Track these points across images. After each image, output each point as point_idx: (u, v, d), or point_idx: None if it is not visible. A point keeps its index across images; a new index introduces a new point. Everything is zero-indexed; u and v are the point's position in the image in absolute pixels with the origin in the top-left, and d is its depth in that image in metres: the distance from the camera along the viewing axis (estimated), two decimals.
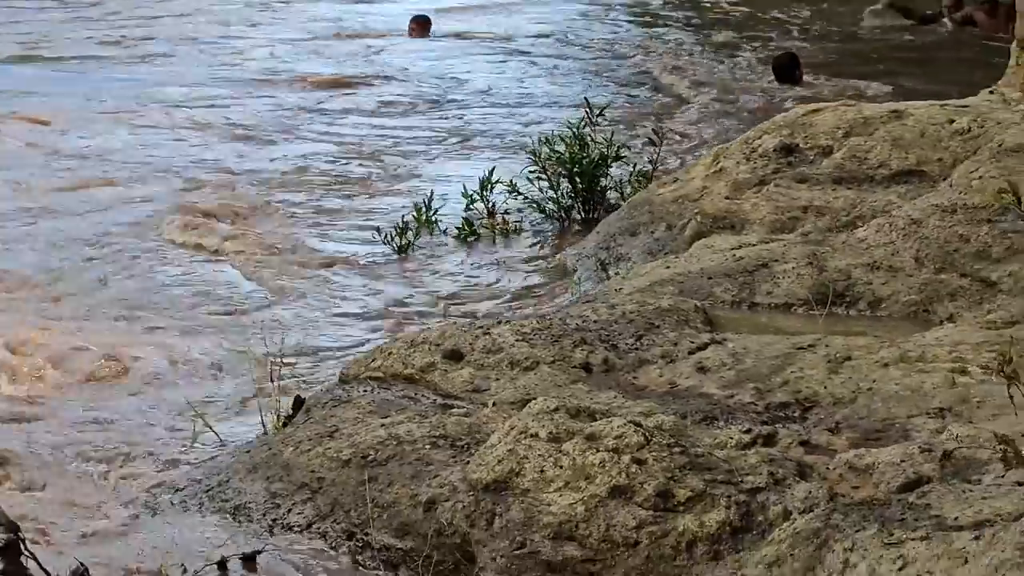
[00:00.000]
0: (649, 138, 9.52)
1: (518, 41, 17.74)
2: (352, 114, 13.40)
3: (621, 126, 12.15)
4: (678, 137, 11.35)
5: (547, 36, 18.13)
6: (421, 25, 18.52)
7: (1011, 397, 3.34)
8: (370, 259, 8.65)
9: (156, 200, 9.88)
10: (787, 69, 14.01)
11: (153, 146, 11.71)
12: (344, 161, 11.42)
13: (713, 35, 17.98)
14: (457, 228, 8.95)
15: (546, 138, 9.31)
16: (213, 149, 11.75)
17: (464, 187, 9.25)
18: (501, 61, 16.52)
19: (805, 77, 14.07)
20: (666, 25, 19.12)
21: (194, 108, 13.12)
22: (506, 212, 9.16)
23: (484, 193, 9.17)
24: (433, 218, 8.96)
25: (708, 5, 19.87)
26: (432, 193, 9.16)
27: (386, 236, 8.73)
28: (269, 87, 14.51)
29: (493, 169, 9.36)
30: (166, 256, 8.67)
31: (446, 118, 13.14)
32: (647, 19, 19.68)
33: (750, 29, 18.27)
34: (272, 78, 15.03)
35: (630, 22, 19.52)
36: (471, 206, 9.20)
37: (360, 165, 11.28)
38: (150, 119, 12.64)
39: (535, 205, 9.19)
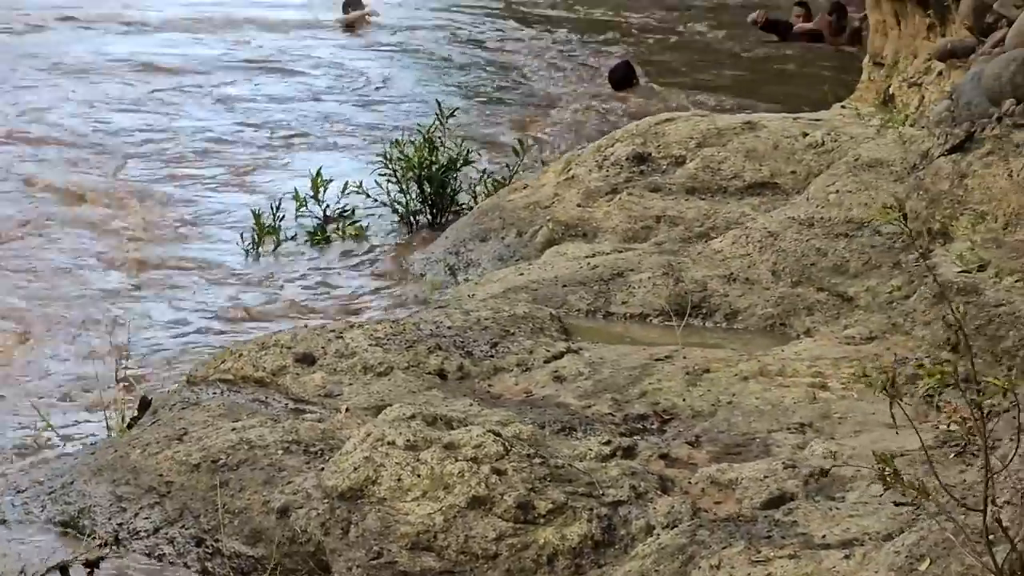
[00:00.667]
0: (513, 148, 9.39)
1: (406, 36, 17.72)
2: (229, 101, 13.18)
3: (483, 128, 12.11)
4: (531, 141, 11.22)
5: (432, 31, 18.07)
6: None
7: (893, 416, 3.26)
8: (222, 260, 8.41)
9: None
10: (624, 78, 14.03)
11: None
12: (200, 153, 11.17)
13: (591, 42, 18.02)
14: (308, 232, 8.72)
15: (397, 141, 9.12)
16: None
17: (307, 186, 9.01)
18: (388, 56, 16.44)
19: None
20: (548, 30, 19.16)
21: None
22: (352, 213, 8.95)
23: (318, 195, 8.93)
24: (278, 223, 8.72)
25: (599, 15, 19.91)
26: (279, 201, 8.89)
27: (242, 236, 8.52)
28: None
29: (320, 170, 9.10)
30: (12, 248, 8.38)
31: (311, 112, 12.94)
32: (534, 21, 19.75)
33: (628, 39, 18.38)
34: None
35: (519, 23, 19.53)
36: (333, 205, 8.98)
37: (218, 158, 11.05)
38: None
39: (386, 207, 9.01)
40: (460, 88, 14.49)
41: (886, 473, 3.20)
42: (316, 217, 8.91)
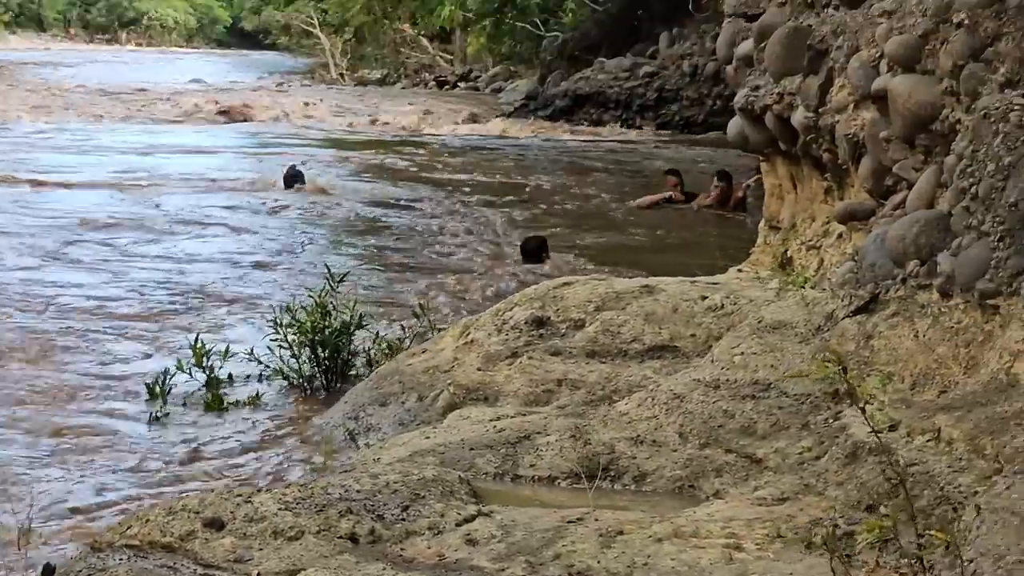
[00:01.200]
0: (414, 311, 9.36)
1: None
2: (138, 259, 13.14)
3: (384, 292, 12.16)
4: (431, 305, 11.24)
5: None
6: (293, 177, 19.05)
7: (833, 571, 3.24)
8: (119, 425, 8.26)
9: None
10: (535, 252, 14.17)
11: None
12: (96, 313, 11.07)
13: (501, 204, 18.36)
14: (204, 401, 8.59)
15: (288, 306, 9.07)
16: None
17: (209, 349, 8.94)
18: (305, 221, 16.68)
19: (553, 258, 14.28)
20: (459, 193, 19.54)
21: None
22: (247, 379, 8.87)
23: (201, 363, 8.82)
24: (168, 389, 8.60)
25: (520, 183, 20.24)
26: (176, 366, 8.78)
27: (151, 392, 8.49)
28: None
29: (198, 336, 9.05)
30: None
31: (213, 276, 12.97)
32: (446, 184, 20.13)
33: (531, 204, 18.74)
34: None
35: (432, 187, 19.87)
36: (228, 370, 8.88)
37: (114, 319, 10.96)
38: None
39: (279, 373, 8.94)
40: (367, 252, 14.61)
41: None
42: (209, 383, 8.77)
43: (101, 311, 11.33)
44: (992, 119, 5.78)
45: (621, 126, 33.08)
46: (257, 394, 8.75)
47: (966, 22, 6.28)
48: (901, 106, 6.69)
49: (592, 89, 34.35)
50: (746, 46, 8.61)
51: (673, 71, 33.00)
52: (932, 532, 3.32)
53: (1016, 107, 5.70)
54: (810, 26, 7.86)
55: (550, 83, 38.22)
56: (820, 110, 7.65)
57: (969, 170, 5.77)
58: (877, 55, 7.05)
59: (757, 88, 8.36)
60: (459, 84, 55.30)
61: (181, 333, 10.38)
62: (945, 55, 6.40)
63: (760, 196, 12.14)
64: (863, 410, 3.99)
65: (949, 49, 6.37)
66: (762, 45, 8.25)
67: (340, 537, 5.12)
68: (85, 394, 8.89)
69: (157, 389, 8.60)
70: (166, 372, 8.65)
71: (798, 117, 7.85)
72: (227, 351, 8.88)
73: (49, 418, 8.30)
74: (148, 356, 9.92)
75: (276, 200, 18.55)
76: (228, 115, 35.22)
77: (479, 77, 55.82)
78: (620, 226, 17.33)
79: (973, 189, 5.70)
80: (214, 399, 8.58)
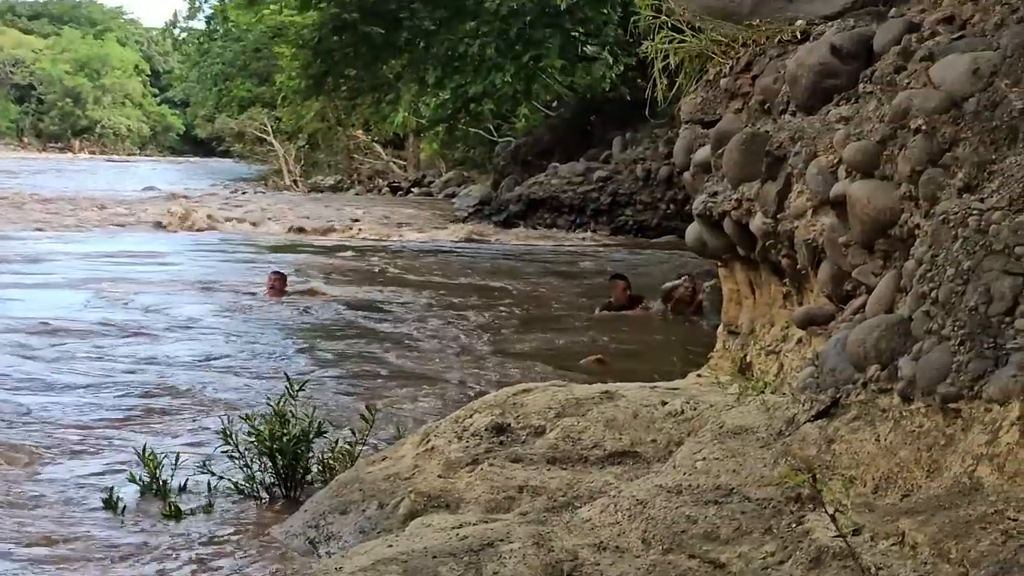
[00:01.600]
0: (362, 415, 9.29)
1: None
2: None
3: (337, 396, 12.14)
4: (389, 411, 11.20)
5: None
6: (281, 280, 19.22)
7: None
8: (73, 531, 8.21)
9: None
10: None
11: None
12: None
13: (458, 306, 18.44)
14: (163, 513, 8.51)
15: (246, 416, 9.02)
16: None
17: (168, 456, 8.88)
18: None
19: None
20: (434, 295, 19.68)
21: None
22: (208, 488, 8.80)
23: (154, 472, 8.76)
24: (117, 499, 8.57)
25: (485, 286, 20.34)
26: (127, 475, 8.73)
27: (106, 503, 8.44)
28: None
29: (145, 446, 8.99)
30: None
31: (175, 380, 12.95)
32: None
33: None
34: None
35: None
36: (182, 480, 8.82)
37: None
38: None
39: (233, 485, 8.87)
40: (327, 357, 14.65)
41: None
42: (158, 492, 8.72)
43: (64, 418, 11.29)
44: (951, 224, 5.84)
45: (574, 230, 33.25)
46: (210, 503, 8.66)
47: (923, 128, 6.35)
48: (860, 211, 6.75)
49: (546, 194, 34.60)
50: (703, 152, 8.68)
51: (627, 175, 33.28)
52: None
53: (975, 212, 5.76)
54: (767, 132, 7.94)
55: (503, 188, 38.48)
56: (778, 216, 7.70)
57: (929, 275, 5.82)
58: (835, 161, 7.12)
59: (715, 194, 8.43)
60: (412, 190, 55.64)
61: (139, 437, 10.32)
62: (903, 160, 6.47)
63: (716, 300, 12.23)
64: (833, 517, 3.98)
65: (907, 155, 6.44)
66: (720, 151, 8.32)
67: None
68: (45, 501, 8.79)
69: (114, 499, 8.51)
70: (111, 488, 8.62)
71: (756, 223, 7.91)
72: (177, 458, 8.83)
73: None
74: (102, 464, 9.84)
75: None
76: (190, 224, 35.24)
77: (432, 183, 56.20)
78: (579, 329, 17.40)
79: (933, 294, 5.74)
80: (170, 509, 8.47)
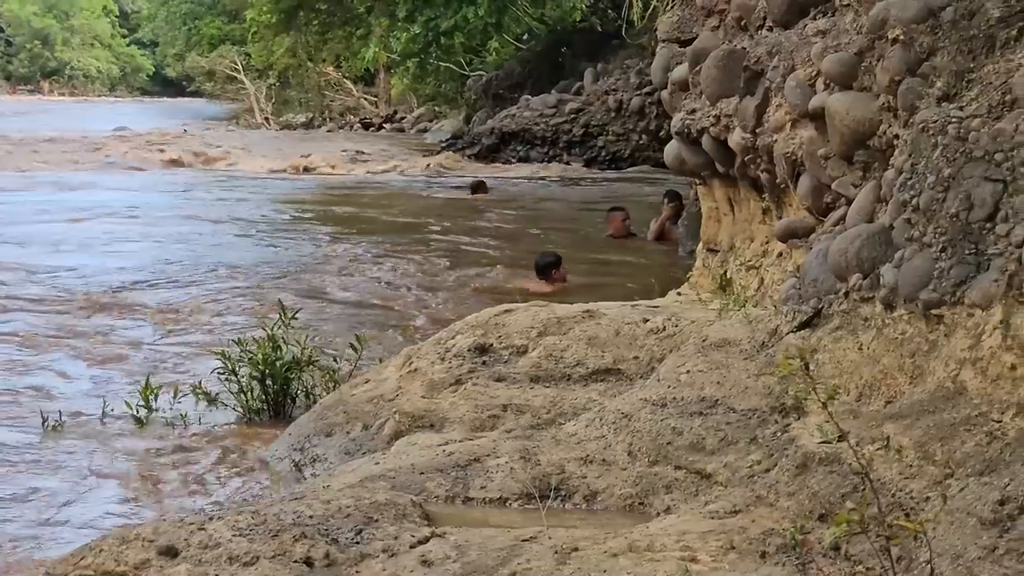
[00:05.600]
0: (351, 345, 9.31)
1: None
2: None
3: (328, 326, 12.16)
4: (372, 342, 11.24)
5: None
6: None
7: None
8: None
9: None
10: (548, 268, 14.19)
11: None
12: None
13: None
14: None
15: (239, 339, 9.06)
16: None
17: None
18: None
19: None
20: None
21: None
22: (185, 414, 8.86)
23: (148, 398, 8.82)
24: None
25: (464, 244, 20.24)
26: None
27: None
28: None
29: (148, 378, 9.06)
30: None
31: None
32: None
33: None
34: None
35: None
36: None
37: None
38: None
39: (225, 405, 8.92)
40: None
41: None
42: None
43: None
44: (930, 132, 5.85)
45: (548, 162, 33.16)
46: (199, 423, 8.72)
47: (901, 38, 6.36)
48: (839, 123, 6.76)
49: (518, 126, 34.44)
50: (681, 70, 8.68)
51: (598, 107, 33.15)
52: (899, 521, 3.32)
53: (954, 120, 5.77)
54: (744, 49, 7.94)
55: (475, 122, 38.36)
56: (757, 131, 7.71)
57: (909, 183, 5.83)
58: (813, 74, 7.13)
59: (693, 112, 8.43)
60: (384, 126, 55.41)
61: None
62: (882, 71, 6.48)
63: (693, 227, 12.24)
64: (825, 405, 4.01)
65: (885, 65, 6.44)
66: (697, 69, 8.32)
67: (295, 561, 5.08)
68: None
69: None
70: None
71: (735, 138, 7.92)
72: (176, 392, 8.90)
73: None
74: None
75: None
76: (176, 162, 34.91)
77: (404, 118, 55.97)
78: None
79: (914, 201, 5.76)
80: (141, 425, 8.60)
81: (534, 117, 34.29)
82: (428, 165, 33.94)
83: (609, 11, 35.19)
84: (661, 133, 29.45)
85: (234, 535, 5.19)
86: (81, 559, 5.05)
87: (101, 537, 5.20)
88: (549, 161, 33.39)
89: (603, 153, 33.08)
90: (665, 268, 14.77)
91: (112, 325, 12.43)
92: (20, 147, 36.26)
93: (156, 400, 8.81)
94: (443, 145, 37.90)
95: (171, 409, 8.82)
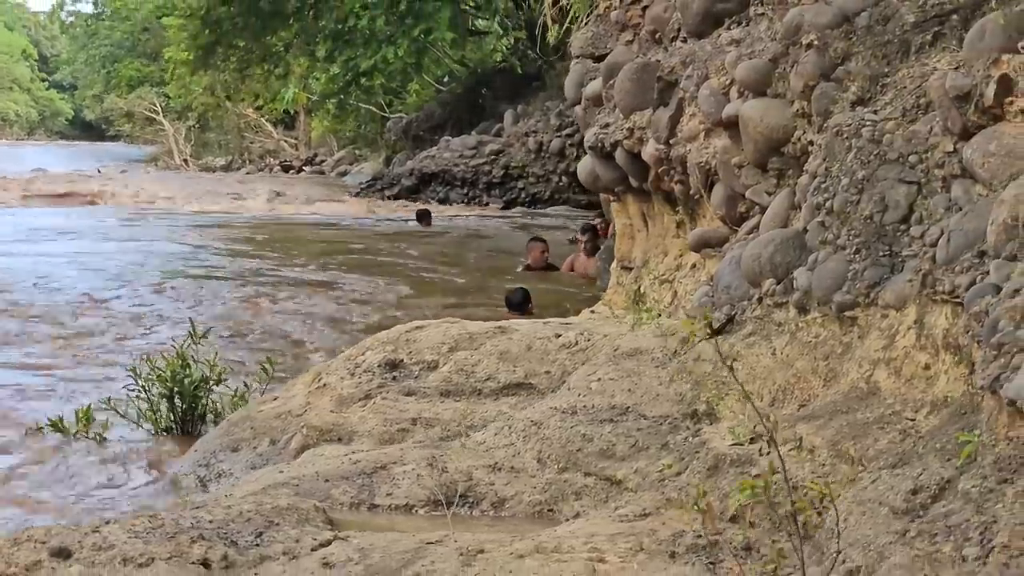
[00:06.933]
0: (263, 367, 9.16)
1: None
2: None
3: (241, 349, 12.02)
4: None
5: None
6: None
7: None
8: None
9: None
10: (519, 304, 13.98)
11: None
12: None
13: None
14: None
15: (148, 356, 8.90)
16: None
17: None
18: None
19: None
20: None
21: None
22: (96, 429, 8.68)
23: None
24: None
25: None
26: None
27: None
28: None
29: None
30: None
31: None
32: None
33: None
34: None
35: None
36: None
37: None
38: None
39: (133, 423, 8.75)
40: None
41: None
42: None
43: None
44: (845, 135, 5.81)
45: (467, 204, 33.09)
46: (100, 436, 8.54)
47: (816, 43, 6.33)
48: (753, 130, 6.71)
49: (438, 167, 34.34)
50: (595, 85, 8.62)
51: (519, 148, 33.09)
52: (807, 484, 3.23)
53: (868, 123, 5.74)
54: (658, 61, 7.89)
55: (396, 163, 38.24)
56: (671, 141, 7.66)
57: (823, 186, 5.79)
58: (727, 82, 7.08)
59: (607, 126, 8.37)
60: (304, 168, 55.18)
61: None
62: (796, 77, 6.44)
63: (610, 259, 12.18)
64: (743, 389, 3.91)
65: (800, 71, 6.41)
66: (611, 83, 8.27)
67: (192, 563, 4.92)
68: None
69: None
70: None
71: (649, 150, 7.86)
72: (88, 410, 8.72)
73: None
74: None
75: None
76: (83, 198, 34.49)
77: (324, 161, 55.78)
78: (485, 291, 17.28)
79: (828, 204, 5.72)
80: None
81: (454, 158, 34.20)
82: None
83: (529, 52, 35.27)
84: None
85: (129, 537, 5.02)
86: None
87: None
88: (468, 202, 33.29)
89: (523, 194, 33.00)
90: (582, 299, 14.70)
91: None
92: None
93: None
94: (362, 187, 37.70)
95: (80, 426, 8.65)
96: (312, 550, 5.13)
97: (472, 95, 38.71)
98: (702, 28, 7.56)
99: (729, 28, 7.39)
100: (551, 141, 32.46)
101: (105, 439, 8.55)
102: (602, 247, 16.97)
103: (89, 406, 8.77)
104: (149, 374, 8.71)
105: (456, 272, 19.20)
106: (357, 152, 52.89)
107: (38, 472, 8.02)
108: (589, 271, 17.42)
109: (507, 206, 32.75)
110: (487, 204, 33.06)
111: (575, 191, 30.73)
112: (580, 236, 18.39)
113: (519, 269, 18.60)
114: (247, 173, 54.33)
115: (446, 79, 41.38)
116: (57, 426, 8.56)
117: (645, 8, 8.32)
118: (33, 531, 5.13)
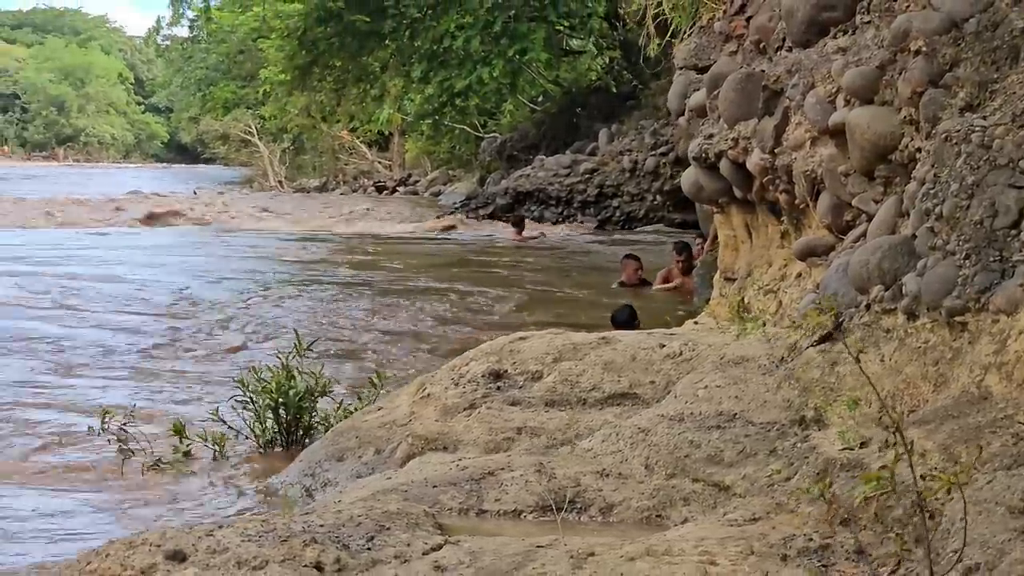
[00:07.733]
0: (371, 380, 9.26)
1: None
2: None
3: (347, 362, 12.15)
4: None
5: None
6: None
7: None
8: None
9: None
10: (626, 322, 13.99)
11: None
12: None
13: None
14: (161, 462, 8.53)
15: (253, 367, 9.01)
16: None
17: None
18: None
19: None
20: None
21: None
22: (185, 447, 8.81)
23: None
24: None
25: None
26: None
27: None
28: None
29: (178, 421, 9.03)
30: None
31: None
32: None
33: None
34: None
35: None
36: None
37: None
38: None
39: (239, 434, 8.87)
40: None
41: None
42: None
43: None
44: (954, 141, 5.78)
45: (562, 222, 33.12)
46: (215, 452, 8.65)
47: (924, 50, 6.31)
48: (860, 138, 6.69)
49: (533, 186, 34.40)
50: (698, 96, 8.63)
51: (613, 167, 33.09)
52: (934, 472, 3.23)
53: (977, 128, 5.71)
54: (763, 71, 7.89)
55: (490, 182, 38.33)
56: (776, 151, 7.65)
57: (932, 192, 5.77)
58: (834, 90, 7.07)
59: (711, 136, 8.37)
60: (398, 189, 55.47)
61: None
62: (904, 83, 6.42)
63: (708, 275, 12.16)
64: (868, 378, 3.91)
65: (907, 77, 6.39)
66: (715, 93, 8.27)
67: (305, 566, 4.97)
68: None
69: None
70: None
71: (754, 160, 7.85)
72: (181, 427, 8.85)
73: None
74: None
75: None
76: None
77: (418, 182, 56.05)
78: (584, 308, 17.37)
79: (937, 210, 5.69)
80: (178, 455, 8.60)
81: (548, 177, 34.25)
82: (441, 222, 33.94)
83: (624, 71, 35.27)
84: (678, 193, 29.41)
85: (243, 540, 5.09)
86: (87, 564, 4.95)
87: (108, 542, 5.10)
88: (563, 221, 33.33)
89: (617, 213, 32.97)
90: (678, 315, 14.73)
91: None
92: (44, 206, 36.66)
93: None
94: (456, 206, 37.86)
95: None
96: (423, 554, 5.18)
97: (566, 115, 38.77)
98: (807, 37, 7.55)
99: (835, 36, 7.37)
100: (646, 160, 32.43)
101: (225, 456, 8.70)
102: (697, 264, 17.00)
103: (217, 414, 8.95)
104: (254, 386, 8.82)
105: (557, 287, 19.37)
106: (451, 172, 53.11)
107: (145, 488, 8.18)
108: (684, 288, 17.44)
109: (601, 225, 32.73)
110: (581, 223, 33.06)
111: (669, 210, 30.72)
112: (676, 255, 18.44)
113: (614, 286, 18.69)
114: (341, 194, 54.71)
115: (540, 99, 41.48)
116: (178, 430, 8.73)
117: (749, 18, 8.32)
118: (148, 534, 5.21)
